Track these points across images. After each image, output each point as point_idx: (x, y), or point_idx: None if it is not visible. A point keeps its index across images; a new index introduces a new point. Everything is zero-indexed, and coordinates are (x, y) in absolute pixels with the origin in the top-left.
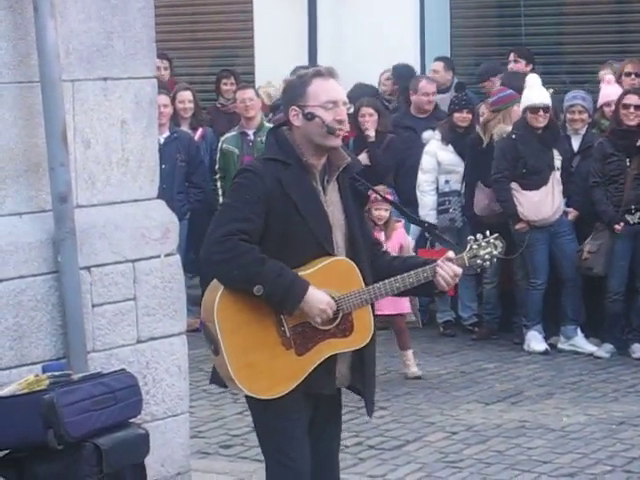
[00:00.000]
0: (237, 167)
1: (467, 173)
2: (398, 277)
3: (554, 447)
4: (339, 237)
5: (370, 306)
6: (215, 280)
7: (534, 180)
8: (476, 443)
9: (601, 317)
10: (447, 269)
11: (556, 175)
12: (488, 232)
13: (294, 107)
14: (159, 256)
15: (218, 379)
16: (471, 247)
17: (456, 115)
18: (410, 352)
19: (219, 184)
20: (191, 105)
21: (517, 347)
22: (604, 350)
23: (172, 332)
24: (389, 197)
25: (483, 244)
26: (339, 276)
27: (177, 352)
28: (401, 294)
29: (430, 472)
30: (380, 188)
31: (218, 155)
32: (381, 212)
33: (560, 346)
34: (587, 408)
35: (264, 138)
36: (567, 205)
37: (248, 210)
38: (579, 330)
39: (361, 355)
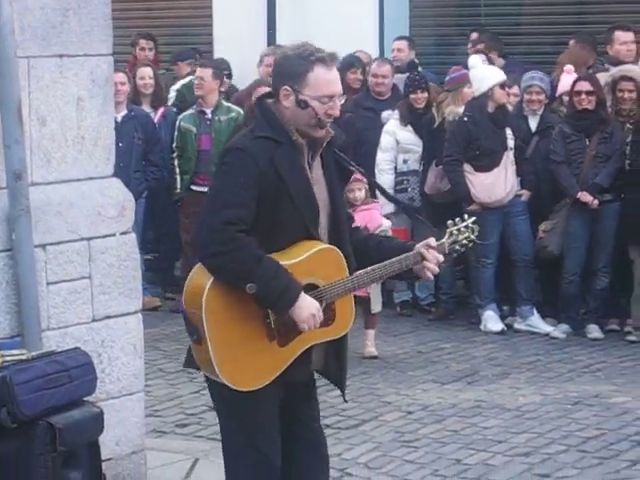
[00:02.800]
0: (195, 146)
1: (424, 153)
2: (381, 265)
3: (509, 427)
4: (323, 218)
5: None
6: (199, 268)
7: (487, 161)
8: (432, 422)
9: (558, 298)
10: (432, 258)
11: (509, 155)
12: (466, 216)
13: (288, 87)
14: (115, 234)
15: (193, 363)
16: (451, 233)
17: (411, 96)
18: (372, 332)
19: (176, 162)
20: (151, 82)
21: (474, 327)
22: (560, 330)
23: (127, 310)
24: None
25: (462, 229)
26: (325, 265)
27: (132, 330)
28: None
29: (386, 451)
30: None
31: (176, 134)
32: (356, 193)
33: (516, 326)
34: (543, 388)
35: (222, 117)
36: (521, 185)
37: (243, 194)
38: (535, 310)
39: (339, 343)
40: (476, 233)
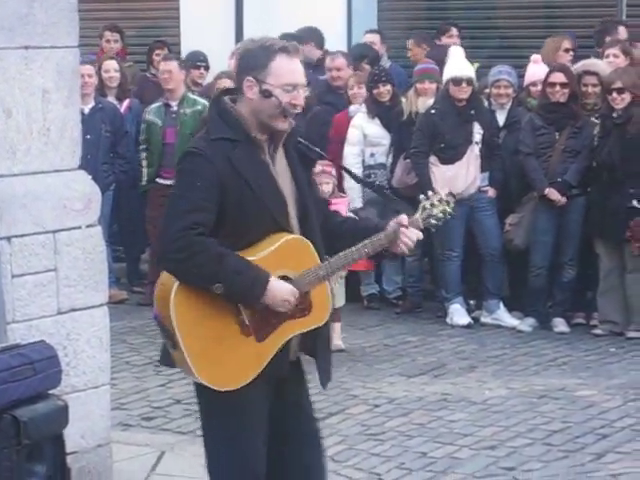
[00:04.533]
0: (160, 139)
1: (394, 146)
2: (353, 249)
3: (475, 420)
4: (291, 208)
5: (327, 281)
6: (164, 275)
7: (450, 154)
8: (398, 416)
9: (524, 291)
10: (409, 234)
11: (474, 149)
12: (440, 189)
13: (250, 78)
14: (80, 227)
15: (168, 360)
16: (424, 207)
17: (374, 90)
18: (338, 325)
19: (143, 155)
20: (117, 75)
21: (440, 320)
22: (526, 324)
23: (93, 303)
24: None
25: (436, 202)
26: (294, 255)
27: (98, 324)
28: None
29: (352, 444)
30: (324, 163)
31: (143, 126)
32: (323, 186)
33: (483, 320)
34: (509, 381)
35: (187, 110)
36: (489, 180)
37: (200, 198)
38: (502, 304)
39: (321, 334)
40: (452, 205)
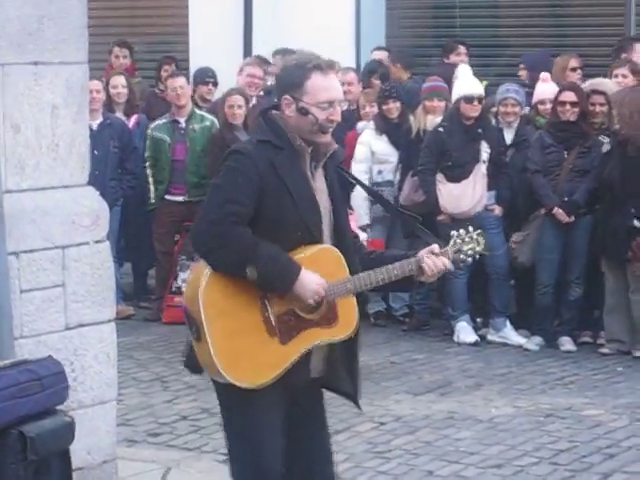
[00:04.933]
0: (169, 156)
1: (402, 163)
2: (382, 268)
3: (482, 438)
4: (326, 225)
5: (355, 298)
6: (196, 267)
7: (457, 172)
8: (404, 434)
9: (531, 309)
10: (436, 261)
11: (481, 168)
12: (471, 228)
13: (288, 96)
14: (88, 243)
15: (192, 364)
16: (455, 242)
17: (383, 107)
18: None
19: (149, 172)
20: (124, 90)
21: (447, 338)
22: (533, 342)
23: (101, 319)
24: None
25: (467, 239)
26: (325, 264)
27: (106, 339)
28: (382, 287)
29: (358, 462)
30: None
31: (148, 143)
32: None
33: (490, 338)
34: (515, 400)
35: (196, 126)
36: (496, 198)
37: (239, 193)
38: (508, 322)
39: (338, 348)
40: (482, 245)
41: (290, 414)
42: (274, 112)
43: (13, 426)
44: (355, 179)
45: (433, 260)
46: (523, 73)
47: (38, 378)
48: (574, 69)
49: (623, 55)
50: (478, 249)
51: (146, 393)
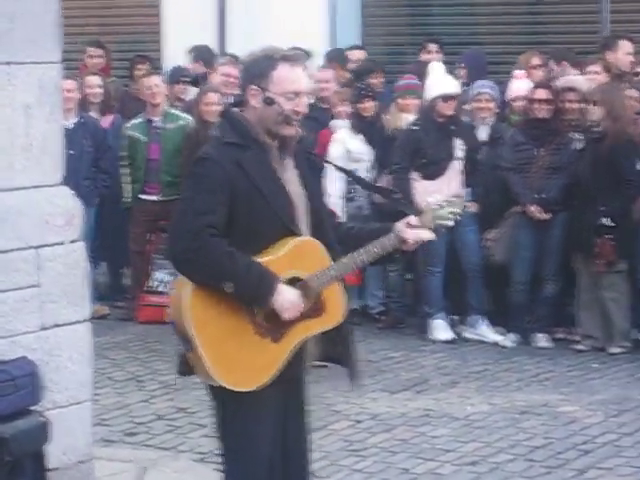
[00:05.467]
0: (145, 155)
1: (376, 162)
2: (362, 250)
3: (458, 436)
4: (302, 214)
5: (341, 282)
6: (177, 282)
7: (432, 170)
8: (381, 432)
9: (507, 306)
10: (418, 233)
11: (456, 165)
12: (446, 191)
13: (254, 87)
14: (63, 243)
15: (185, 369)
16: (432, 209)
17: (359, 105)
18: None
19: (125, 171)
20: (100, 90)
21: (423, 336)
22: (509, 340)
23: (76, 319)
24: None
25: (443, 204)
26: (305, 257)
27: (81, 339)
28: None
29: (334, 460)
30: None
31: (124, 142)
32: None
33: (466, 335)
34: (491, 397)
35: (170, 125)
36: (471, 195)
37: (211, 200)
38: (484, 319)
39: (340, 328)
40: (458, 207)
41: (285, 406)
42: (233, 110)
43: None
44: (325, 160)
45: (415, 232)
46: (463, 72)
47: (12, 378)
48: (536, 66)
49: (608, 53)
50: (457, 211)
51: (122, 393)
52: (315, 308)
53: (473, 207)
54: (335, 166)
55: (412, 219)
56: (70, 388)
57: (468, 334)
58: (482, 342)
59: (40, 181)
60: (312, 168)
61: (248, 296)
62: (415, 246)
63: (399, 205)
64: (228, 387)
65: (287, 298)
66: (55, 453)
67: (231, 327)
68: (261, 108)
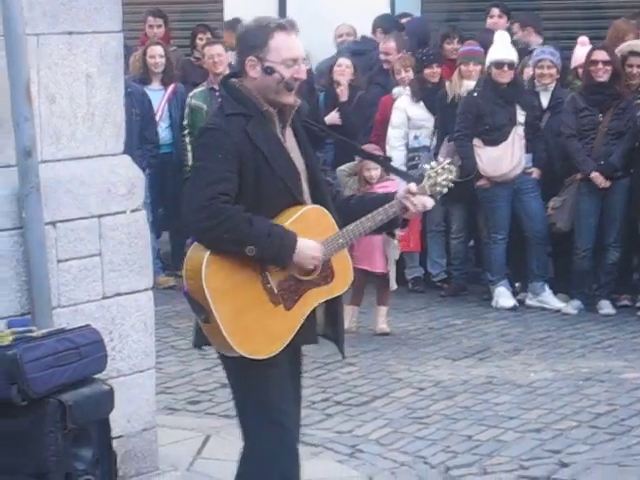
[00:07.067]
0: None
1: (438, 129)
2: (368, 216)
3: (521, 403)
4: (304, 182)
5: (347, 251)
6: (194, 248)
7: (495, 136)
8: (443, 399)
9: (570, 273)
10: (417, 201)
11: (518, 130)
12: (441, 158)
13: (252, 57)
14: (125, 212)
15: (200, 340)
16: (429, 176)
17: (426, 71)
18: (385, 308)
19: (187, 139)
20: (162, 60)
21: (485, 303)
22: (572, 306)
23: (138, 288)
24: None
25: (439, 171)
26: (314, 224)
27: (143, 308)
28: (371, 232)
29: (397, 428)
30: (371, 147)
31: (187, 110)
32: (372, 172)
33: (528, 302)
34: (554, 364)
35: None
36: (533, 161)
37: (223, 169)
38: (547, 286)
39: (333, 300)
40: (454, 173)
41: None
42: (232, 80)
43: (52, 395)
44: (323, 129)
45: (417, 199)
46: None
47: (76, 347)
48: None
49: None
50: (452, 177)
51: (185, 361)
52: (325, 276)
53: (535, 173)
54: (331, 134)
55: (412, 187)
56: (133, 356)
57: (531, 301)
58: (545, 309)
59: (102, 150)
60: (310, 136)
61: (270, 257)
62: (416, 214)
63: (397, 173)
64: (243, 354)
65: (309, 253)
66: (119, 421)
67: (247, 297)
68: (260, 78)
